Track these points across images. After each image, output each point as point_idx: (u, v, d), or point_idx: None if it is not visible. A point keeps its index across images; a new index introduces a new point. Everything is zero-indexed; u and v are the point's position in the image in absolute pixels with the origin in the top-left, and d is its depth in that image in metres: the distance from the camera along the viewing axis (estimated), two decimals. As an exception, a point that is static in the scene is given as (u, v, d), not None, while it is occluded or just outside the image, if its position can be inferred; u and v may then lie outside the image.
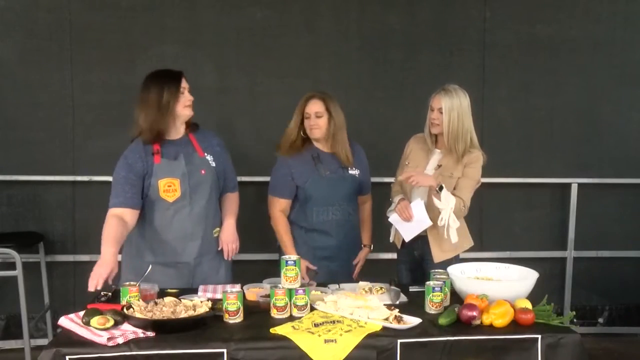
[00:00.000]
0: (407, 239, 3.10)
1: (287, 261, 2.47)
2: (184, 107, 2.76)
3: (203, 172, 2.82)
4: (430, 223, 2.99)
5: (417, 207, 2.99)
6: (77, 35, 4.08)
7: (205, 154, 2.86)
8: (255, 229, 3.62)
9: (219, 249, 2.91)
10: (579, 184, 4.47)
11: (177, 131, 2.81)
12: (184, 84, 2.77)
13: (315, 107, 3.10)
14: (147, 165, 2.72)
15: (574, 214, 4.48)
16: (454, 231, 2.94)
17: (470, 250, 4.23)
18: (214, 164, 2.87)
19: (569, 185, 4.49)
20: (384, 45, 4.34)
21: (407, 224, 3.03)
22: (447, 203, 2.88)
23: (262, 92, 4.24)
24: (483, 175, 4.36)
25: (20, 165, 4.09)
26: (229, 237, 2.92)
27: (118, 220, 2.64)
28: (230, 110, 4.25)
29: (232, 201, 3.03)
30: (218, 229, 2.93)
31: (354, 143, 3.26)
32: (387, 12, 4.33)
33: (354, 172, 3.21)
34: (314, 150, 3.18)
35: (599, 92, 4.54)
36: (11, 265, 3.71)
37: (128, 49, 4.09)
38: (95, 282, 2.39)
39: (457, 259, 3.09)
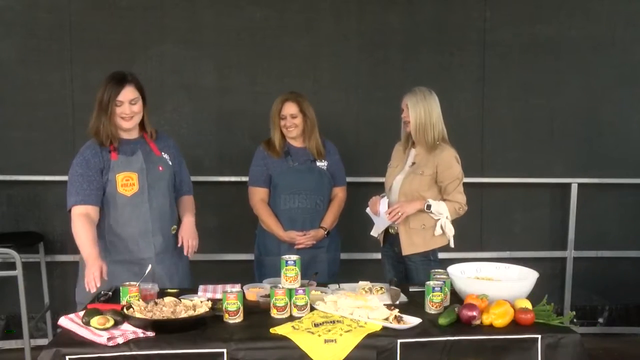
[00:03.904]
0: (376, 232, 3.32)
1: (287, 261, 2.47)
2: (118, 118, 2.73)
3: (161, 168, 2.85)
4: (389, 222, 3.16)
5: (383, 204, 3.19)
6: (77, 35, 4.07)
7: (162, 153, 2.89)
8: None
9: (179, 245, 2.87)
10: (579, 184, 4.47)
11: (128, 134, 2.81)
12: (130, 94, 2.70)
13: (290, 109, 3.33)
14: (104, 160, 2.72)
15: (574, 214, 4.48)
16: (451, 238, 3.17)
17: (470, 250, 4.25)
18: (170, 163, 2.91)
19: (569, 185, 4.48)
20: (384, 45, 4.35)
21: (377, 218, 3.25)
22: (440, 213, 3.10)
23: (262, 92, 4.23)
24: (483, 175, 4.42)
25: (20, 165, 4.09)
26: (190, 233, 2.89)
27: (87, 219, 2.65)
28: (230, 110, 4.25)
29: (188, 202, 3.07)
30: (175, 227, 2.94)
31: (326, 140, 3.48)
32: (387, 12, 4.33)
33: (322, 164, 3.41)
34: (286, 145, 3.41)
35: (599, 92, 4.54)
36: (11, 265, 3.71)
37: (128, 49, 4.09)
38: (92, 282, 2.45)
39: (434, 258, 3.19)
